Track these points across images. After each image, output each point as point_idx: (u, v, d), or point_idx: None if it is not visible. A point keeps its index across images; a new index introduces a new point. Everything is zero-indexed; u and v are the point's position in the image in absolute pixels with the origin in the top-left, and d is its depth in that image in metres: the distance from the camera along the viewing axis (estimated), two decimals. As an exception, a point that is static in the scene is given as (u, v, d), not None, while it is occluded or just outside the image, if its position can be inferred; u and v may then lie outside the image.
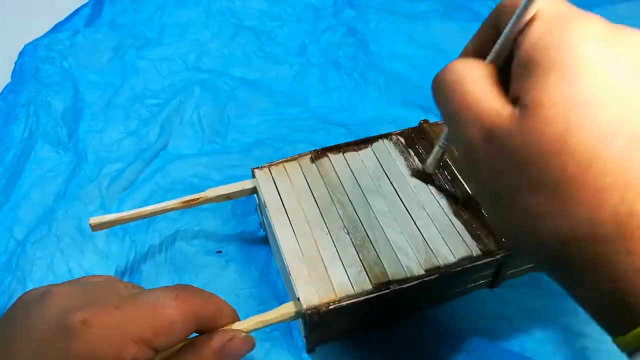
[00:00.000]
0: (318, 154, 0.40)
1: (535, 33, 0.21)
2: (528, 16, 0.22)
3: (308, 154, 0.40)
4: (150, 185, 0.46)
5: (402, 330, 0.36)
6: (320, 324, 0.32)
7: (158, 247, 0.41)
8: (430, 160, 0.37)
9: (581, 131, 0.19)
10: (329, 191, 0.37)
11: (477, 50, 0.26)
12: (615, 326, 0.21)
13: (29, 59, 0.55)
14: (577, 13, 0.22)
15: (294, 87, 0.54)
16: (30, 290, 0.28)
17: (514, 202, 0.22)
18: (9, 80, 0.54)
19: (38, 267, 0.40)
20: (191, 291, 0.29)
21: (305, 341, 0.35)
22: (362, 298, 0.32)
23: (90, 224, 0.35)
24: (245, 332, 0.30)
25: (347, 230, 0.35)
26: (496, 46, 0.24)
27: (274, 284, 0.39)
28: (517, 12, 0.22)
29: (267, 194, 0.37)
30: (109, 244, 0.42)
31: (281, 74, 0.55)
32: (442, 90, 0.24)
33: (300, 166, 0.39)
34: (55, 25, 0.59)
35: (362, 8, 0.61)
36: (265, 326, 0.31)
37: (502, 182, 0.22)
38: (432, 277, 0.33)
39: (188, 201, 0.37)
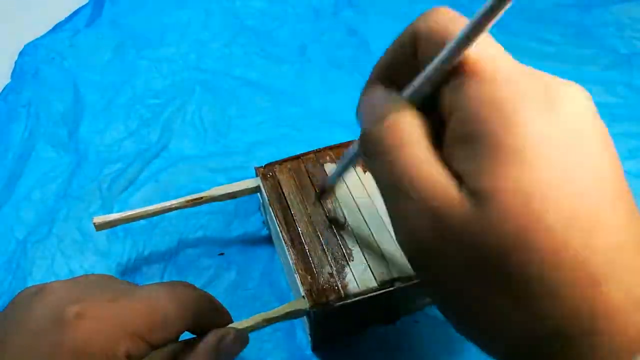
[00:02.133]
0: (321, 153, 0.40)
1: (474, 100, 0.19)
2: (457, 59, 0.19)
3: (311, 153, 0.40)
4: (151, 185, 0.46)
5: (406, 328, 0.36)
6: (325, 321, 0.32)
7: (160, 248, 0.41)
8: (333, 175, 0.34)
9: (542, 225, 0.18)
10: (333, 190, 0.37)
11: (389, 76, 0.24)
12: None
13: (30, 59, 0.55)
14: (513, 69, 0.20)
15: (295, 87, 0.54)
16: (26, 287, 0.28)
17: (473, 300, 0.20)
18: (9, 80, 0.54)
19: (39, 267, 0.40)
20: (186, 287, 0.29)
21: (310, 339, 0.35)
22: (367, 295, 0.32)
23: (94, 223, 0.35)
24: (240, 330, 0.30)
25: (351, 228, 0.35)
26: (415, 83, 0.21)
27: (277, 285, 0.39)
28: (445, 54, 0.20)
29: (271, 192, 0.37)
30: (110, 244, 0.42)
31: (282, 74, 0.55)
32: (379, 153, 0.21)
33: (304, 165, 0.39)
34: (56, 25, 0.59)
35: (363, 8, 0.62)
36: (271, 324, 0.31)
37: (457, 279, 0.20)
38: (437, 274, 0.33)
39: (192, 200, 0.37)
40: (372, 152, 0.22)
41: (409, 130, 0.21)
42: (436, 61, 0.20)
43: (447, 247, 0.19)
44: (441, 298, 0.22)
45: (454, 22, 0.21)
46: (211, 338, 0.28)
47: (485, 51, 0.20)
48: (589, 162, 0.19)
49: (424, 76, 0.21)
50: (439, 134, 0.21)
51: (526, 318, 0.19)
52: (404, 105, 0.21)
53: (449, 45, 0.19)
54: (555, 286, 0.18)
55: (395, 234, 0.22)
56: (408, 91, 0.22)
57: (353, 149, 0.29)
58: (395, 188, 0.20)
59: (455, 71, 0.20)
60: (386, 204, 0.22)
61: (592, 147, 0.19)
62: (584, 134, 0.19)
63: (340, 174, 0.33)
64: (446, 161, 0.20)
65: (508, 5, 0.18)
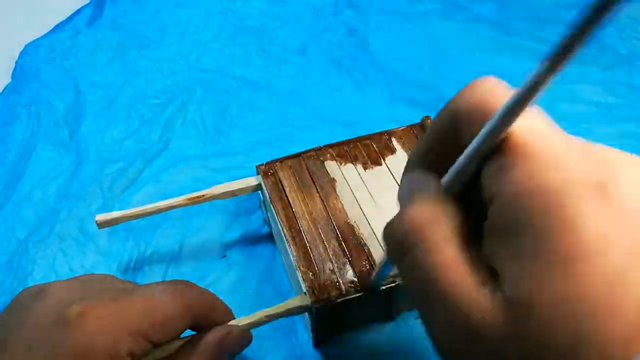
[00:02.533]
0: (322, 151, 0.40)
1: (518, 185, 0.17)
2: (499, 137, 0.17)
3: (312, 151, 0.40)
4: (152, 185, 0.46)
5: (407, 324, 0.36)
6: (326, 318, 0.32)
7: (161, 248, 0.41)
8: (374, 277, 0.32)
9: (596, 343, 0.15)
10: (333, 187, 0.37)
11: (428, 163, 0.22)
12: None
13: (30, 59, 0.55)
14: (564, 147, 0.17)
15: (295, 87, 0.54)
16: (28, 287, 0.28)
17: None
18: (9, 80, 0.54)
19: (40, 267, 0.40)
20: (187, 286, 0.29)
21: (311, 335, 0.35)
22: (369, 292, 0.32)
23: (96, 221, 0.35)
24: (242, 327, 0.30)
25: (352, 224, 0.35)
26: (454, 168, 0.19)
27: (278, 283, 0.39)
28: (485, 131, 0.17)
29: (272, 190, 0.37)
30: (111, 244, 0.42)
31: (282, 74, 0.55)
32: (407, 254, 0.19)
33: (305, 163, 0.39)
34: (57, 25, 0.59)
35: (363, 8, 0.62)
36: (273, 320, 0.31)
37: None
38: (438, 271, 0.33)
39: (193, 198, 0.37)
40: (399, 252, 0.20)
41: (438, 229, 0.19)
42: (476, 141, 0.18)
43: (481, 354, 0.17)
44: None
45: (496, 95, 0.19)
46: (214, 335, 0.28)
47: (532, 127, 0.18)
48: None
49: (463, 159, 0.18)
50: (479, 225, 0.19)
51: None
52: (436, 198, 0.19)
53: (491, 121, 0.17)
54: None
55: (428, 335, 0.20)
56: (446, 178, 0.20)
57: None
58: (424, 292, 0.19)
59: (498, 151, 0.18)
60: (416, 305, 0.20)
61: None
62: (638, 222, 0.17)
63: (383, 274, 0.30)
64: (484, 256, 0.18)
65: (557, 74, 0.16)
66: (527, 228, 0.16)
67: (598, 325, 0.15)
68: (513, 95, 0.16)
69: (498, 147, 0.18)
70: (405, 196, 0.21)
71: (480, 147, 0.18)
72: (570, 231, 0.16)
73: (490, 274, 0.17)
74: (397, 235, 0.20)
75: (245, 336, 0.30)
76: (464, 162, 0.18)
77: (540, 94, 0.16)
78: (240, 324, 0.30)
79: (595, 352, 0.15)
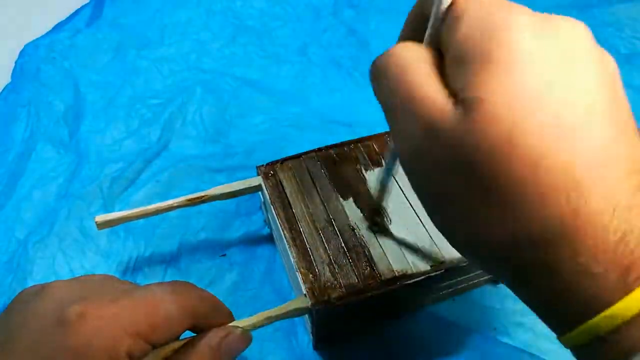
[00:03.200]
0: (322, 152, 0.40)
1: (465, 25, 0.21)
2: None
3: (312, 152, 0.40)
4: (152, 185, 0.46)
5: (407, 326, 0.36)
6: (326, 319, 0.32)
7: (161, 249, 0.41)
8: (376, 185, 0.35)
9: (526, 129, 0.19)
10: (334, 188, 0.37)
11: (410, 38, 0.25)
12: (560, 324, 0.21)
13: (30, 59, 0.55)
14: (503, 3, 0.21)
15: (295, 87, 0.54)
16: (27, 287, 0.28)
17: (458, 204, 0.21)
18: (9, 80, 0.54)
19: (39, 267, 0.40)
20: (187, 287, 0.29)
21: (311, 337, 0.35)
22: (369, 294, 0.32)
23: (96, 222, 0.35)
24: (242, 329, 0.30)
25: (352, 226, 0.35)
26: (427, 35, 0.23)
27: (278, 284, 0.39)
28: None
29: (272, 191, 0.37)
30: (111, 244, 0.42)
31: (283, 74, 0.55)
32: (383, 77, 0.22)
33: (305, 164, 0.39)
34: (56, 25, 0.59)
35: (363, 8, 0.62)
36: (273, 322, 0.31)
37: (445, 182, 0.21)
38: (438, 272, 0.33)
39: (193, 199, 0.37)
40: (377, 77, 0.23)
41: (410, 57, 0.22)
42: (434, 8, 0.22)
43: (436, 150, 0.20)
44: (428, 201, 0.23)
45: None
46: (213, 337, 0.28)
47: None
48: (578, 79, 0.20)
49: (430, 25, 0.22)
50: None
51: (508, 222, 0.19)
52: (411, 42, 0.23)
53: None
54: (537, 191, 0.19)
55: (395, 144, 0.24)
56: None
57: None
58: (396, 106, 0.22)
59: (450, 11, 0.21)
60: (388, 123, 0.23)
61: (584, 67, 0.20)
62: (576, 56, 0.20)
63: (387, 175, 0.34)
64: (447, 84, 0.21)
65: None
66: (477, 51, 0.20)
67: (528, 111, 0.19)
68: None
69: (448, 10, 0.22)
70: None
71: (437, 12, 0.22)
72: (511, 48, 0.19)
73: (452, 95, 0.21)
74: (379, 64, 0.23)
75: (245, 338, 0.30)
76: (430, 30, 0.23)
77: None
78: (240, 326, 0.30)
79: (526, 132, 0.19)
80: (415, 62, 0.22)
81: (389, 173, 0.33)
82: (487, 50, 0.20)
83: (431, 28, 0.22)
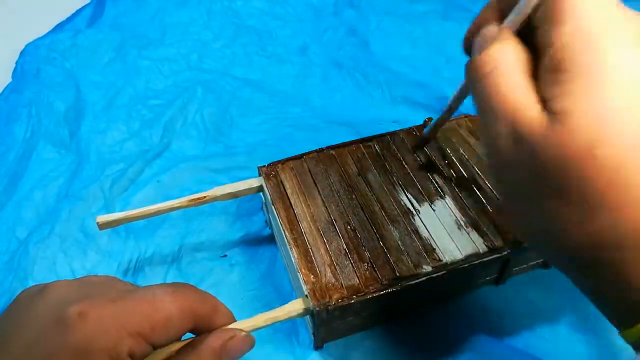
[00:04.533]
0: (324, 152, 0.40)
1: (567, 33, 0.21)
2: None
3: (314, 152, 0.40)
4: (153, 186, 0.46)
5: (408, 327, 0.36)
6: (328, 320, 0.32)
7: (162, 249, 0.41)
8: (433, 122, 0.37)
9: (609, 144, 0.20)
10: (335, 189, 0.37)
11: (491, 18, 0.26)
12: (623, 319, 0.22)
13: (31, 59, 0.55)
14: (615, 10, 0.21)
15: (296, 87, 0.54)
16: (28, 287, 0.28)
17: (538, 207, 0.22)
18: (10, 80, 0.54)
19: (40, 267, 0.40)
20: (188, 288, 0.29)
21: (312, 338, 0.35)
22: (370, 295, 0.32)
23: (97, 223, 0.35)
24: (245, 331, 0.30)
25: (354, 227, 0.35)
26: (511, 18, 0.23)
27: (279, 285, 0.39)
28: None
29: (274, 191, 0.37)
30: (112, 244, 0.42)
31: (283, 74, 0.55)
32: (476, 76, 0.24)
33: (307, 164, 0.39)
34: (57, 25, 0.59)
35: (363, 8, 0.62)
36: (274, 323, 0.31)
37: (527, 186, 0.22)
38: (439, 273, 0.33)
39: (195, 199, 0.37)
40: (472, 78, 0.24)
41: (507, 60, 0.23)
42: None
43: (523, 156, 0.22)
44: (510, 197, 0.24)
45: None
46: (216, 339, 0.28)
47: None
48: None
49: (520, 11, 0.23)
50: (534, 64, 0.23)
51: (587, 226, 0.21)
52: (503, 36, 0.23)
53: None
54: (616, 201, 0.20)
55: (482, 148, 0.25)
56: (509, 19, 0.24)
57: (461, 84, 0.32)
58: (488, 108, 0.23)
59: (552, 7, 0.22)
60: (481, 124, 0.24)
61: None
62: None
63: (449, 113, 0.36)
64: (538, 89, 0.22)
65: None
66: (573, 62, 0.20)
67: (617, 128, 0.20)
68: None
69: (553, 4, 0.22)
70: (476, 42, 0.25)
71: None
72: (607, 62, 0.20)
73: (542, 101, 0.21)
74: (473, 65, 0.24)
75: (248, 341, 0.30)
76: (520, 10, 0.23)
77: None
78: (241, 327, 0.30)
79: (611, 146, 0.20)
80: (511, 66, 0.23)
81: (449, 111, 0.36)
82: (585, 63, 0.20)
83: (520, 14, 0.23)
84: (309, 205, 0.36)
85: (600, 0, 0.22)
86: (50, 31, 0.58)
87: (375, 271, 0.33)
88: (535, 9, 0.23)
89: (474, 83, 0.24)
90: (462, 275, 0.34)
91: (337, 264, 0.33)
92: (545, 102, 0.21)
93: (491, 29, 0.25)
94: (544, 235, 0.23)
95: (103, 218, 0.36)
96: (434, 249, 0.34)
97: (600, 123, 0.20)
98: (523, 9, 0.23)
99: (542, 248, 0.24)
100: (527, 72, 0.23)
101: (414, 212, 0.36)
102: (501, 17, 0.25)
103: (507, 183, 0.24)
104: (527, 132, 0.21)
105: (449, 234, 0.35)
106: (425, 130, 0.38)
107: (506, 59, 0.23)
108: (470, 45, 0.27)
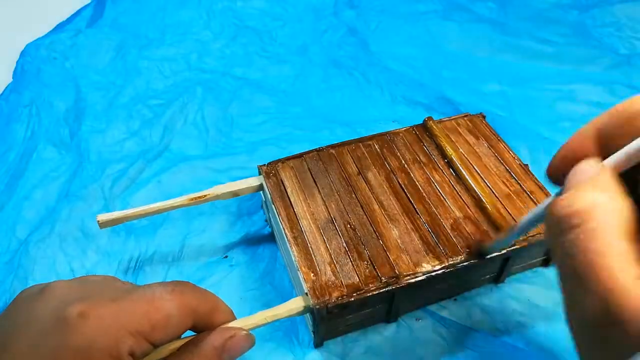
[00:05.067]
0: (324, 151, 0.40)
1: None
2: None
3: (314, 151, 0.40)
4: (153, 185, 0.46)
5: (407, 325, 0.36)
6: (328, 318, 0.32)
7: (163, 249, 0.41)
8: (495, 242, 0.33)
9: None
10: (335, 188, 0.37)
11: (600, 137, 0.22)
12: None
13: (31, 59, 0.55)
14: None
15: (296, 87, 0.54)
16: (29, 287, 0.28)
17: None
18: (10, 80, 0.54)
19: (40, 267, 0.40)
20: (188, 286, 0.29)
21: (312, 336, 0.35)
22: (369, 293, 0.32)
23: (98, 221, 0.35)
24: (246, 330, 0.30)
25: (354, 225, 0.35)
26: (624, 154, 0.19)
27: (280, 284, 0.39)
28: None
29: (274, 190, 0.37)
30: (112, 244, 0.42)
31: (283, 74, 0.55)
32: (563, 234, 0.19)
33: (307, 163, 0.39)
34: (57, 25, 0.59)
35: (363, 8, 0.62)
36: (274, 321, 0.31)
37: None
38: (439, 272, 0.33)
39: (195, 198, 0.37)
40: (555, 231, 0.20)
41: (604, 220, 0.18)
42: None
43: (620, 338, 0.17)
44: None
45: None
46: (217, 338, 0.28)
47: None
48: None
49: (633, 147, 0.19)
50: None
51: None
52: (604, 180, 0.19)
53: None
54: None
55: (567, 318, 0.20)
56: (614, 159, 0.20)
57: (536, 213, 0.26)
58: (576, 275, 0.18)
59: None
60: (561, 285, 0.20)
61: None
62: None
63: (517, 235, 0.30)
64: None
65: None
66: None
67: None
68: None
69: None
70: (570, 180, 0.21)
71: None
72: None
73: None
74: (560, 211, 0.19)
75: (249, 340, 0.30)
76: (632, 151, 0.19)
77: None
78: (241, 325, 0.30)
79: None
80: (612, 230, 0.18)
81: (506, 242, 0.32)
82: None
83: (630, 156, 0.19)
84: (309, 204, 0.36)
85: None
86: (51, 31, 0.59)
87: (374, 269, 0.33)
88: None
89: (556, 236, 0.19)
90: (461, 274, 0.34)
91: (337, 262, 0.33)
92: None
93: (589, 165, 0.21)
94: None
95: (104, 216, 0.36)
96: (434, 248, 0.34)
97: None
98: (634, 152, 0.18)
99: None
100: (630, 235, 0.18)
101: (414, 210, 0.36)
102: (599, 149, 0.21)
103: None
104: (629, 321, 0.17)
105: (449, 232, 0.35)
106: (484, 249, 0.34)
107: (604, 218, 0.18)
108: (557, 173, 0.23)
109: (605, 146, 0.21)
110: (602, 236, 0.18)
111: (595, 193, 0.19)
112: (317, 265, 0.33)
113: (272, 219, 0.39)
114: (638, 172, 0.19)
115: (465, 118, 0.42)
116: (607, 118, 0.22)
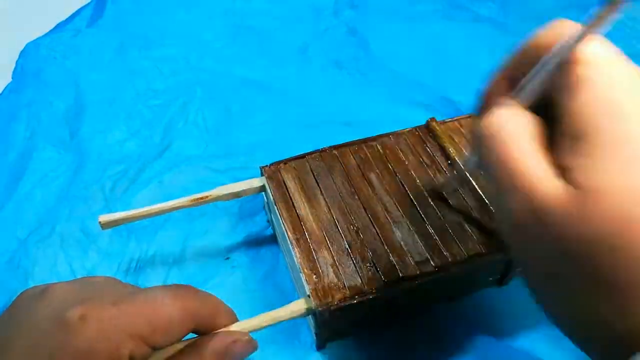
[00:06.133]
0: (326, 152, 0.40)
1: (588, 97, 0.20)
2: (570, 57, 0.20)
3: (316, 152, 0.40)
4: (154, 186, 0.46)
5: (410, 327, 0.36)
6: (330, 320, 0.32)
7: (164, 250, 0.41)
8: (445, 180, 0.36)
9: None
10: (337, 189, 0.37)
11: (510, 75, 0.25)
12: None
13: (31, 59, 0.55)
14: (629, 71, 0.20)
15: (296, 87, 0.54)
16: (29, 288, 0.28)
17: (566, 290, 0.20)
18: (10, 79, 0.54)
19: (40, 267, 0.40)
20: (189, 290, 0.29)
21: (314, 338, 0.35)
22: (372, 295, 0.32)
23: (100, 222, 0.35)
24: (249, 335, 0.30)
25: (356, 227, 0.35)
26: (529, 85, 0.22)
27: (282, 285, 0.39)
28: (557, 50, 0.21)
29: (276, 191, 0.37)
30: (113, 245, 0.41)
31: (283, 74, 0.55)
32: (485, 146, 0.22)
33: (309, 164, 0.39)
34: (57, 24, 0.59)
35: (363, 8, 0.62)
36: (276, 323, 0.31)
37: (554, 267, 0.20)
38: (442, 274, 0.33)
39: (197, 199, 0.37)
40: (480, 143, 0.23)
41: (516, 127, 0.21)
42: (549, 58, 0.21)
43: (542, 233, 0.20)
44: (534, 282, 0.22)
45: (570, 28, 0.22)
46: (220, 342, 0.28)
47: (599, 54, 0.21)
48: None
49: (537, 76, 0.22)
50: (550, 135, 0.21)
51: (628, 318, 0.19)
52: (512, 103, 0.23)
53: (560, 43, 0.21)
54: None
55: (497, 220, 0.23)
56: (521, 91, 0.23)
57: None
58: (499, 179, 0.21)
59: (570, 73, 0.21)
60: (491, 193, 0.24)
61: None
62: None
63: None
64: (553, 157, 0.20)
65: (618, 9, 0.19)
66: (597, 131, 0.19)
67: None
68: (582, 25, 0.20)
69: (570, 71, 0.21)
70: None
71: (552, 64, 0.21)
72: (633, 133, 0.19)
73: (560, 171, 0.20)
74: (481, 128, 0.22)
75: (251, 345, 0.30)
76: (537, 79, 0.22)
77: (605, 25, 0.20)
78: (243, 327, 0.30)
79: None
80: (520, 136, 0.21)
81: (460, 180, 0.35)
82: (610, 133, 0.19)
83: (536, 84, 0.22)
84: (311, 205, 0.36)
85: (619, 67, 0.21)
86: (51, 31, 0.58)
87: (377, 271, 0.33)
88: (549, 80, 0.21)
89: (483, 150, 0.22)
90: (465, 276, 0.34)
91: (339, 264, 0.33)
92: (563, 172, 0.20)
93: (501, 100, 0.24)
94: (572, 322, 0.21)
95: (106, 217, 0.36)
96: (437, 250, 0.34)
97: (635, 204, 0.18)
98: (537, 79, 0.22)
99: (575, 339, 0.22)
100: (540, 142, 0.21)
101: (417, 212, 0.36)
102: (512, 87, 0.24)
103: (531, 263, 0.22)
104: (550, 208, 0.19)
105: (452, 235, 0.35)
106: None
107: (518, 124, 0.21)
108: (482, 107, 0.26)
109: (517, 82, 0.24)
110: (518, 145, 0.21)
111: (504, 110, 0.22)
112: (320, 267, 0.33)
113: (274, 220, 0.39)
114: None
115: (468, 119, 0.42)
116: (512, 60, 0.25)
